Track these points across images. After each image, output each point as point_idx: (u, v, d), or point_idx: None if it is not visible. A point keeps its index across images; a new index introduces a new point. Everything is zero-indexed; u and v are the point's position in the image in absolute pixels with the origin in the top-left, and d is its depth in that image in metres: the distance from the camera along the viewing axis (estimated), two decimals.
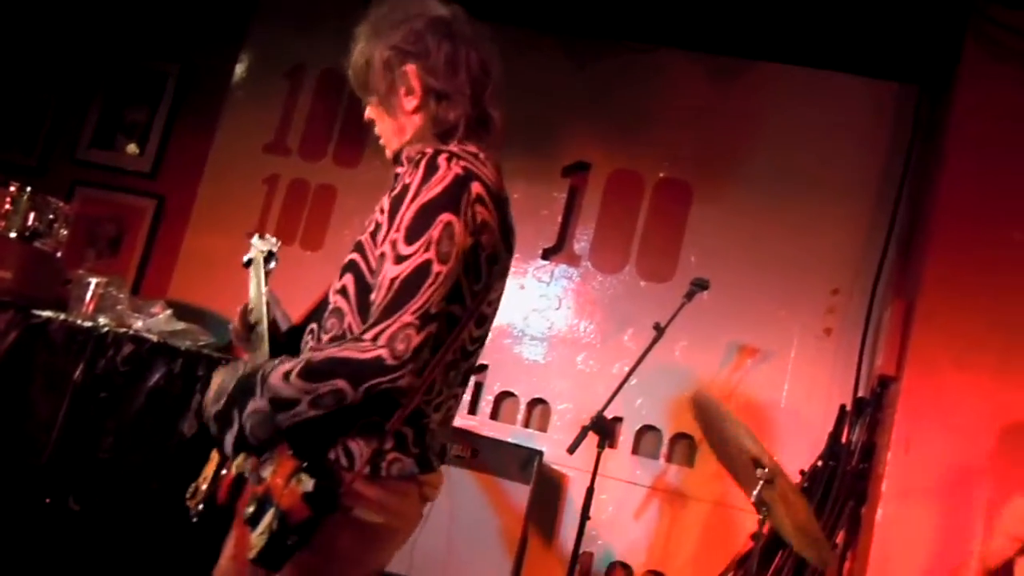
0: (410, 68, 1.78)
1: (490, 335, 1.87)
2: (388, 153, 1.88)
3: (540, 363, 4.12)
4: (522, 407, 4.11)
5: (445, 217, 1.62)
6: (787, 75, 4.08)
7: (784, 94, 4.09)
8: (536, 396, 4.11)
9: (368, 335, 1.56)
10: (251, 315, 1.91)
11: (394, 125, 1.84)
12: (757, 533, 2.93)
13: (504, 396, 4.16)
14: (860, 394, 3.66)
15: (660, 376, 3.92)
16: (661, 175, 4.17)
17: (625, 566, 3.92)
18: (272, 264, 2.01)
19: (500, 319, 2.54)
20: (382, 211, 1.71)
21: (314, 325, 1.80)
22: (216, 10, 4.76)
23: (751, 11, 3.80)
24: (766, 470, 2.62)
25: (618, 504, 3.88)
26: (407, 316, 1.56)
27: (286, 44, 4.65)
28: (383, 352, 1.54)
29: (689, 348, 3.95)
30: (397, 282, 1.59)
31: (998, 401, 3.34)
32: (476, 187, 1.67)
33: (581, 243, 4.20)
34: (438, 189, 1.64)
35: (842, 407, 3.64)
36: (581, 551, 3.81)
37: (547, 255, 4.22)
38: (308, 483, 1.58)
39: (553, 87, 4.25)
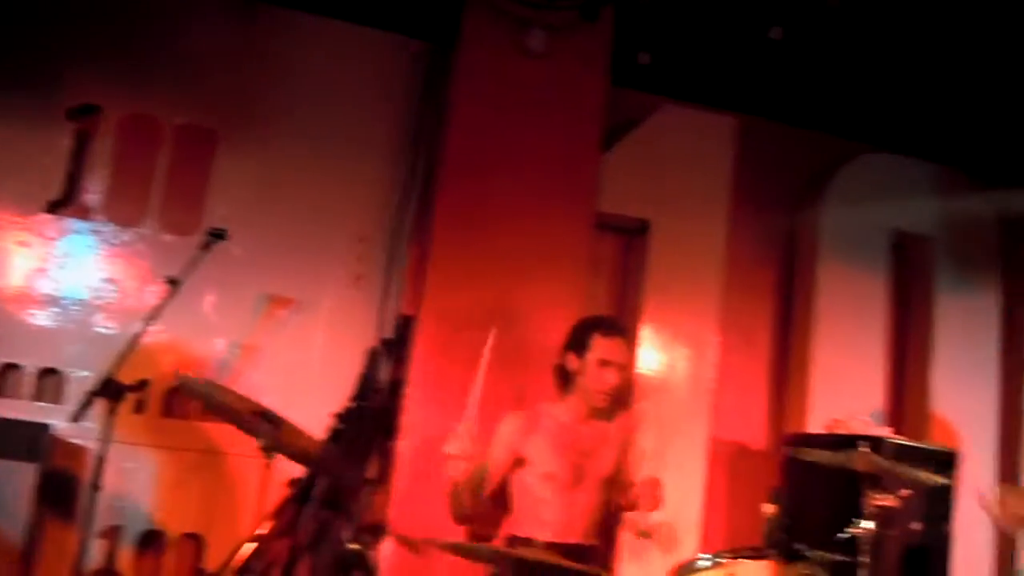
0: None
1: None
2: None
3: (50, 329, 3.71)
4: (31, 379, 3.67)
5: None
6: (305, 23, 4.06)
7: (310, 44, 4.08)
8: (47, 366, 3.70)
9: None
10: None
11: None
12: (295, 479, 2.96)
13: (8, 368, 3.68)
14: (386, 335, 3.83)
15: (190, 332, 3.76)
16: (182, 121, 3.94)
17: (159, 533, 3.73)
18: None
19: None
20: None
21: None
22: None
23: None
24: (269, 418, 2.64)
25: (147, 471, 3.67)
26: None
27: None
28: None
29: (219, 302, 3.83)
30: None
31: (500, 332, 3.71)
32: None
33: (93, 194, 3.83)
34: None
35: (371, 348, 3.79)
36: (107, 525, 3.57)
37: (53, 208, 3.78)
38: None
39: (49, 19, 3.78)
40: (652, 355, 4.09)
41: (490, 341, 2.98)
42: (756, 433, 4.34)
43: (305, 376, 3.84)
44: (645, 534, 3.36)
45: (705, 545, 3.89)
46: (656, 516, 3.51)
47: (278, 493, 3.57)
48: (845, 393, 4.22)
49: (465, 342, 3.67)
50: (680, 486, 3.97)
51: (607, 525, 3.53)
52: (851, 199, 4.38)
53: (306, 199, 3.97)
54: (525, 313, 3.76)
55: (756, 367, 4.39)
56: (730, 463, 4.23)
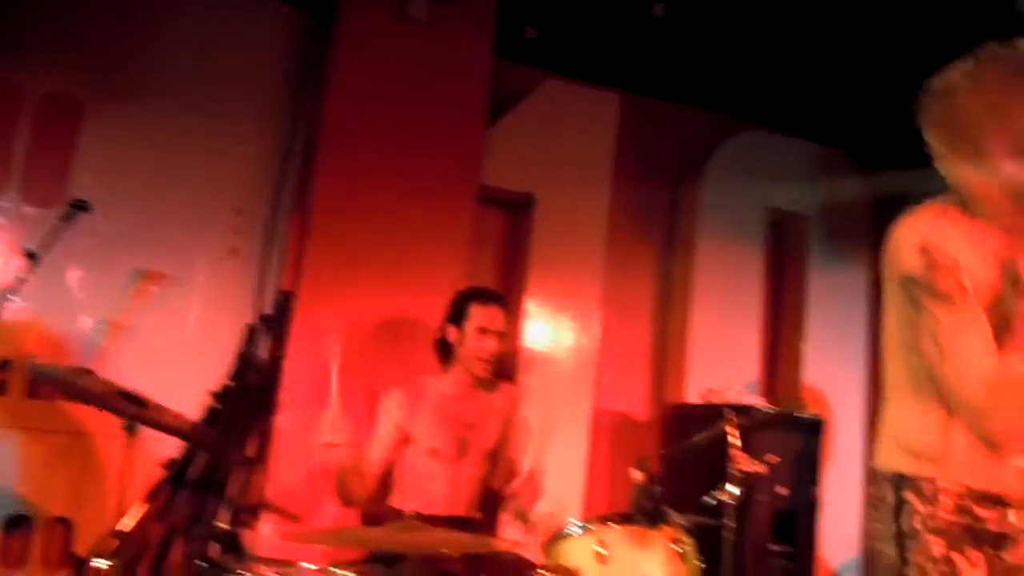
0: None
1: None
2: None
3: None
4: None
5: None
6: None
7: (185, 12, 3.92)
8: None
9: None
10: None
11: None
12: (170, 460, 2.87)
13: None
14: (265, 311, 3.75)
15: (55, 310, 3.60)
16: (46, 90, 3.74)
17: (27, 518, 3.58)
18: None
19: None
20: None
21: None
22: None
23: None
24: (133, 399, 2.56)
25: (13, 454, 3.51)
26: None
27: None
28: None
29: (87, 277, 3.66)
30: None
31: (383, 307, 3.70)
32: None
33: None
34: None
35: (249, 324, 3.70)
36: None
37: None
38: None
39: None
40: (536, 328, 4.13)
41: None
42: (638, 404, 4.44)
43: (179, 354, 3.72)
44: (524, 519, 3.42)
45: (588, 515, 3.96)
46: (538, 507, 3.58)
47: (152, 475, 3.48)
48: (722, 364, 4.36)
49: (346, 319, 3.63)
50: (563, 457, 4.03)
51: (490, 497, 3.56)
52: (730, 176, 4.50)
53: (180, 170, 3.83)
54: (408, 289, 3.73)
55: (638, 339, 4.48)
56: (613, 433, 4.31)
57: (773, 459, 3.13)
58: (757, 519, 3.67)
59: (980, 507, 1.73)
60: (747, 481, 3.00)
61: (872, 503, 1.80)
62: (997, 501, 1.74)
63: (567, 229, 4.22)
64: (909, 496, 1.74)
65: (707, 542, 2.98)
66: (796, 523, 3.78)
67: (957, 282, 1.69)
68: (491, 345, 3.24)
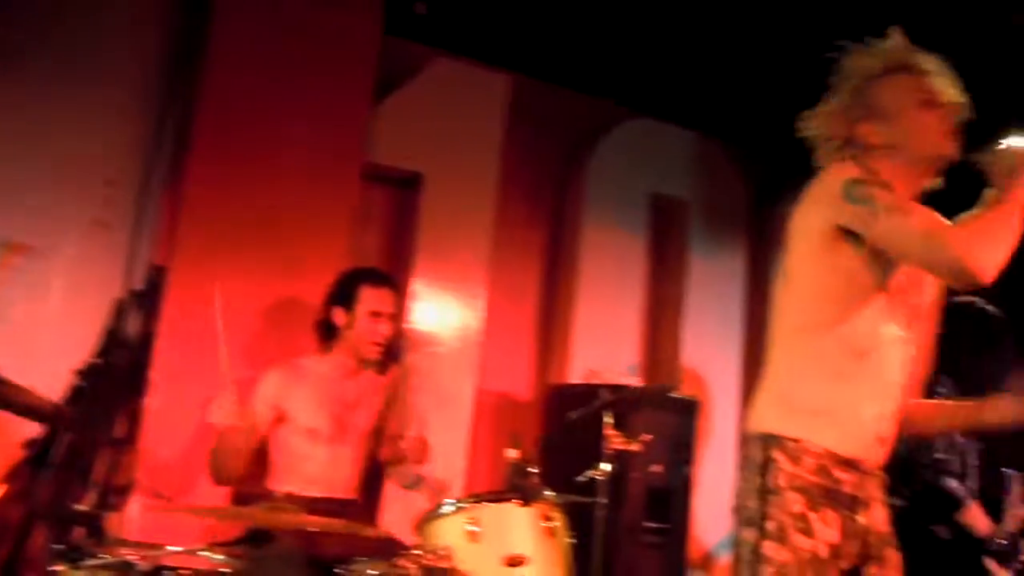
0: None
1: None
2: None
3: None
4: None
5: None
6: None
7: None
8: None
9: None
10: None
11: None
12: (31, 441, 2.74)
13: None
14: (136, 286, 3.61)
15: None
16: None
17: None
18: None
19: None
20: None
21: None
22: None
23: None
24: None
25: None
26: None
27: None
28: None
29: None
30: None
31: (261, 285, 3.61)
32: None
33: None
34: None
35: (118, 300, 3.56)
36: None
37: None
38: None
39: None
40: (422, 308, 4.11)
41: (217, 301, 2.86)
42: (522, 384, 4.48)
43: (43, 330, 3.54)
44: (411, 485, 3.41)
45: (469, 493, 3.98)
46: (424, 469, 3.57)
47: (12, 455, 3.32)
48: (605, 346, 4.43)
49: (222, 296, 3.53)
50: (446, 437, 4.03)
51: (371, 479, 3.54)
52: (615, 162, 4.57)
53: (48, 139, 3.63)
54: (289, 266, 3.65)
55: (523, 321, 4.51)
56: (496, 413, 4.34)
57: (647, 438, 3.21)
58: (631, 497, 3.75)
59: (838, 469, 1.83)
60: (621, 459, 3.07)
61: (742, 464, 1.88)
62: (854, 466, 1.85)
63: (455, 209, 4.21)
64: (776, 454, 1.82)
65: (582, 520, 3.04)
66: (670, 501, 3.89)
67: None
68: (384, 329, 3.20)
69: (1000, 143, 1.85)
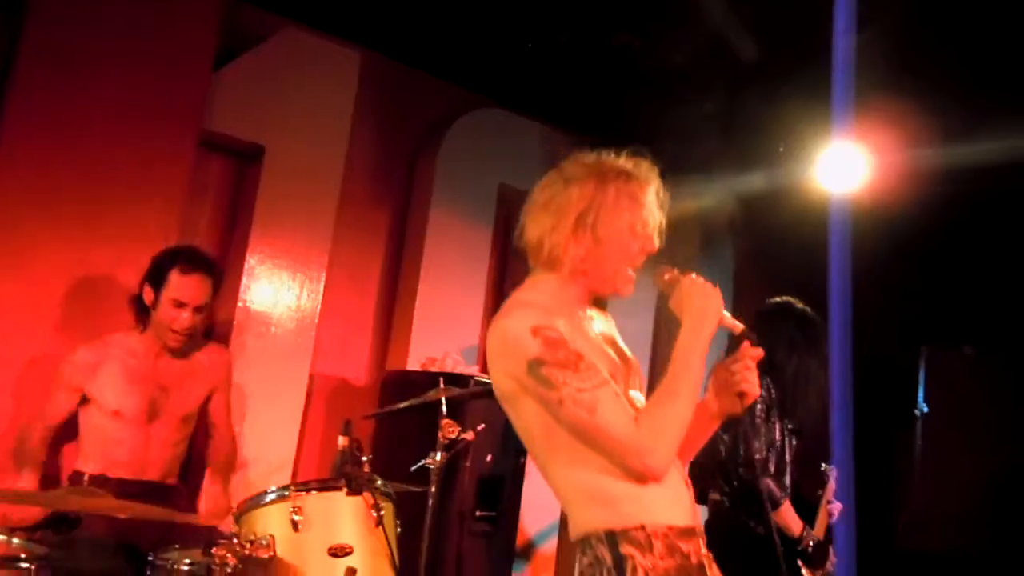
0: None
1: None
2: None
3: None
4: None
5: None
6: None
7: None
8: None
9: None
10: None
11: None
12: None
13: None
14: None
15: None
16: None
17: None
18: None
19: None
20: None
21: None
22: None
23: None
24: None
25: None
26: None
27: None
28: None
29: None
30: None
31: (82, 254, 3.38)
32: None
33: None
34: None
35: None
36: None
37: None
38: None
39: None
40: (257, 287, 3.94)
41: None
42: (358, 369, 4.39)
43: None
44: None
45: (299, 480, 3.88)
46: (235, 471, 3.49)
47: None
48: (446, 334, 4.40)
49: (40, 266, 3.29)
50: (277, 421, 3.91)
51: (190, 462, 3.39)
52: (464, 150, 4.54)
53: None
54: (112, 236, 3.43)
55: (362, 305, 4.42)
56: (329, 398, 4.24)
57: (480, 427, 3.22)
58: (462, 485, 3.76)
59: (681, 541, 1.77)
60: (454, 448, 3.06)
61: (586, 572, 1.77)
62: (689, 533, 1.81)
63: (297, 185, 4.04)
64: (627, 550, 1.73)
65: (414, 508, 3.01)
66: (501, 490, 3.92)
67: (570, 351, 1.76)
68: (185, 319, 3.06)
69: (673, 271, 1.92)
